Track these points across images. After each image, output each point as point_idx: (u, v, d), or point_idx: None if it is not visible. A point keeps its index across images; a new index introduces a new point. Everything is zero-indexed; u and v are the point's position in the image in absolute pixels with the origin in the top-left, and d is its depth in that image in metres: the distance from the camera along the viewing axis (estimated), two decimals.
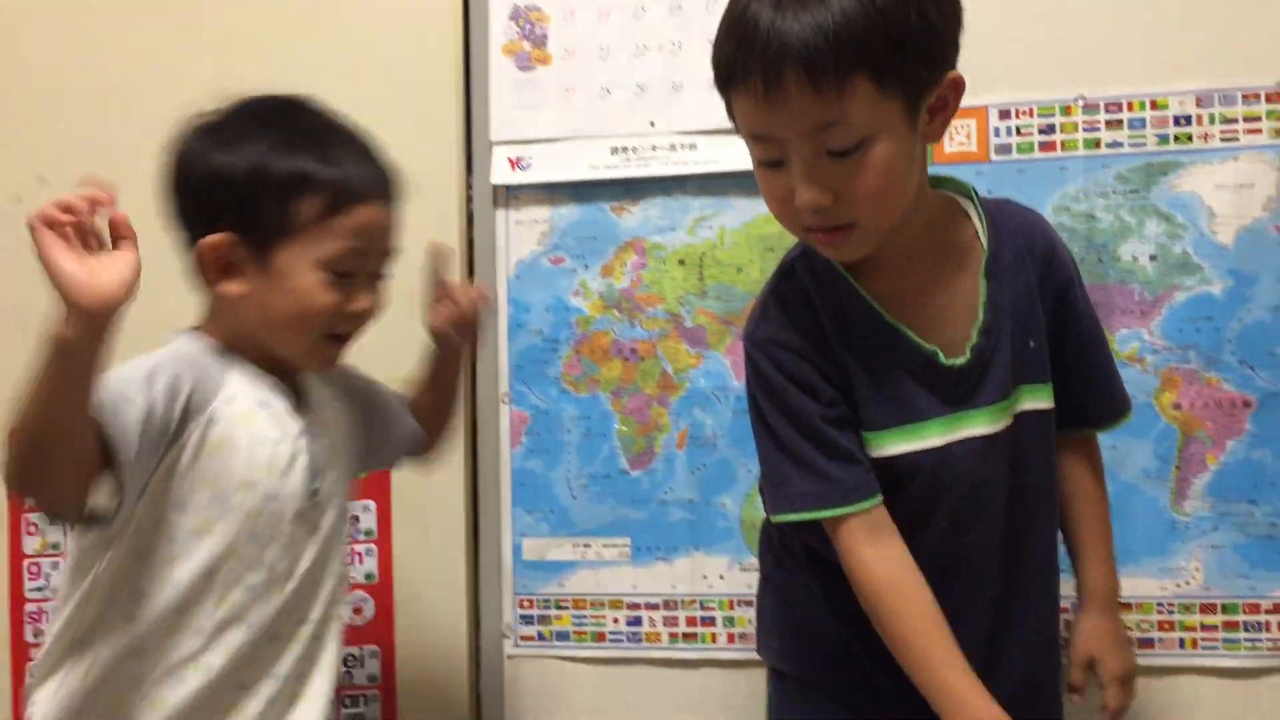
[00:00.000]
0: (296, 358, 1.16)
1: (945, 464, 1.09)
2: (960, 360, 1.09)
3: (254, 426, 1.11)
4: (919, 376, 1.09)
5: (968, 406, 1.09)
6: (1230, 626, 1.46)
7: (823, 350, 1.09)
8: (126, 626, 1.06)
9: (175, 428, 1.04)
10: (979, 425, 1.10)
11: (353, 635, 1.63)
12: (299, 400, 1.18)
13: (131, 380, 1.00)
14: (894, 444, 1.10)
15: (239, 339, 1.13)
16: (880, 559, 1.07)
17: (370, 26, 1.64)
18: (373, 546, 1.63)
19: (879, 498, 1.08)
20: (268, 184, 1.09)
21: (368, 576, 1.63)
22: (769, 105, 0.96)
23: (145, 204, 1.07)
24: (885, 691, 1.13)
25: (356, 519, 1.61)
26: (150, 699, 1.07)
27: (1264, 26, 1.45)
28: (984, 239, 1.12)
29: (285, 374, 1.17)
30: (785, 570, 1.25)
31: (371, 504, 1.63)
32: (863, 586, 1.07)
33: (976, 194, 1.15)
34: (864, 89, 0.95)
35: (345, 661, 1.63)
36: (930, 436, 1.09)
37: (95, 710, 1.07)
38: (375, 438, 1.32)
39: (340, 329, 1.16)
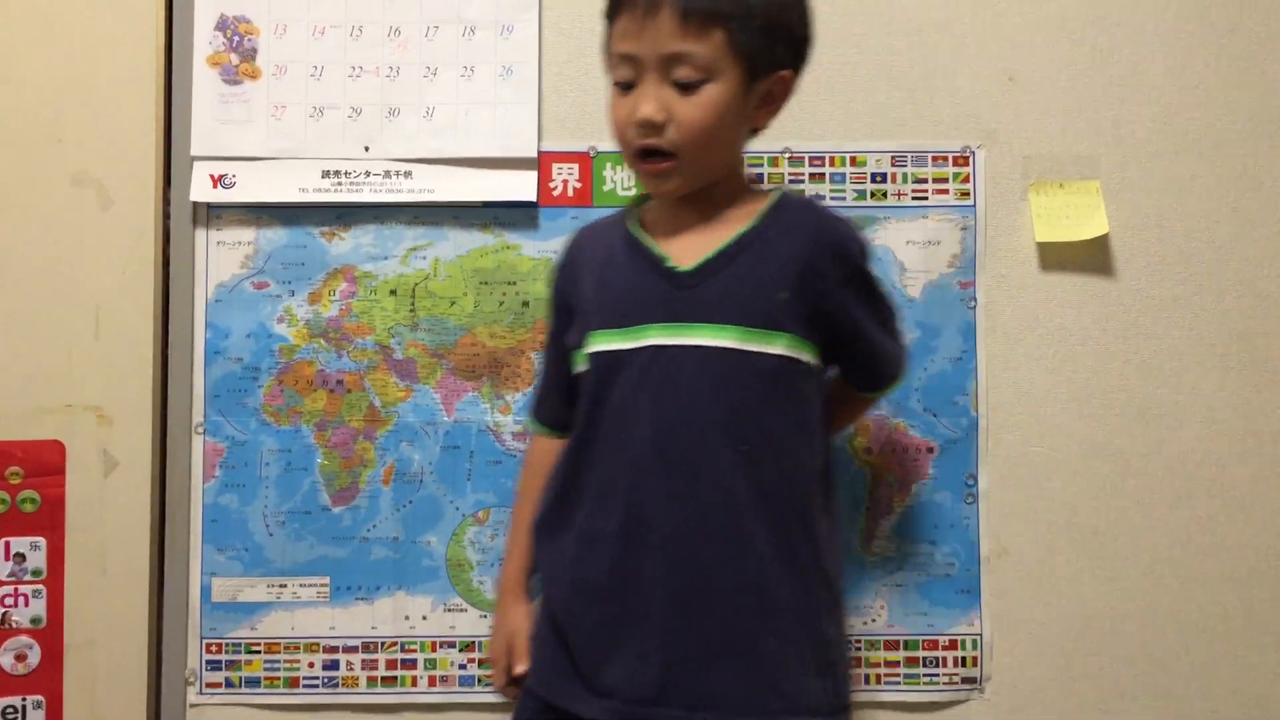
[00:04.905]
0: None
1: (657, 364, 1.18)
2: (687, 266, 1.19)
3: None
4: (648, 280, 1.21)
5: (689, 320, 1.18)
6: (911, 662, 1.52)
7: (574, 285, 1.29)
8: None
9: None
10: (696, 337, 1.18)
11: (14, 685, 1.48)
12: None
13: None
14: (611, 342, 1.21)
15: None
16: (540, 451, 1.36)
17: (64, 22, 1.52)
18: (41, 587, 1.49)
19: (563, 432, 1.29)
20: None
21: (34, 621, 1.49)
22: (640, 27, 1.15)
23: None
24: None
25: None
26: None
27: (951, 95, 1.55)
28: (765, 208, 1.23)
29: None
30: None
31: (41, 541, 1.49)
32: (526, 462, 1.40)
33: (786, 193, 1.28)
34: (719, 40, 1.14)
35: (4, 713, 1.48)
36: (647, 338, 1.19)
37: None
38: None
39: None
